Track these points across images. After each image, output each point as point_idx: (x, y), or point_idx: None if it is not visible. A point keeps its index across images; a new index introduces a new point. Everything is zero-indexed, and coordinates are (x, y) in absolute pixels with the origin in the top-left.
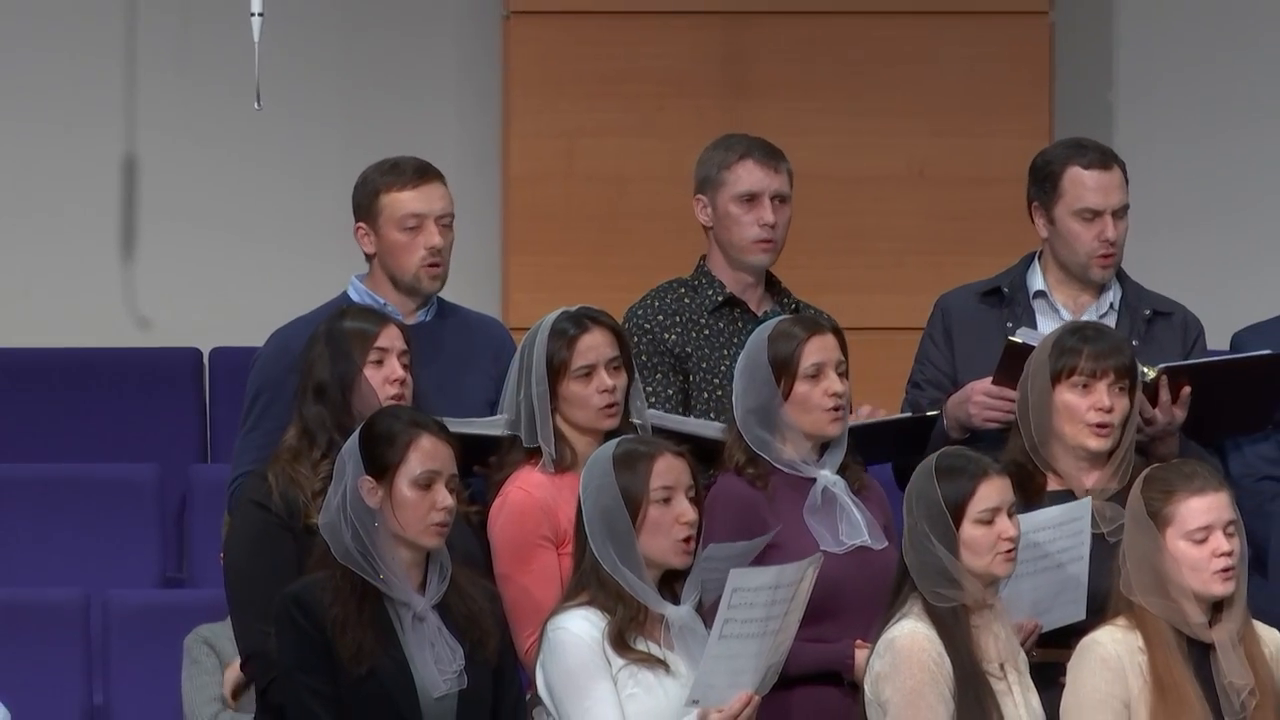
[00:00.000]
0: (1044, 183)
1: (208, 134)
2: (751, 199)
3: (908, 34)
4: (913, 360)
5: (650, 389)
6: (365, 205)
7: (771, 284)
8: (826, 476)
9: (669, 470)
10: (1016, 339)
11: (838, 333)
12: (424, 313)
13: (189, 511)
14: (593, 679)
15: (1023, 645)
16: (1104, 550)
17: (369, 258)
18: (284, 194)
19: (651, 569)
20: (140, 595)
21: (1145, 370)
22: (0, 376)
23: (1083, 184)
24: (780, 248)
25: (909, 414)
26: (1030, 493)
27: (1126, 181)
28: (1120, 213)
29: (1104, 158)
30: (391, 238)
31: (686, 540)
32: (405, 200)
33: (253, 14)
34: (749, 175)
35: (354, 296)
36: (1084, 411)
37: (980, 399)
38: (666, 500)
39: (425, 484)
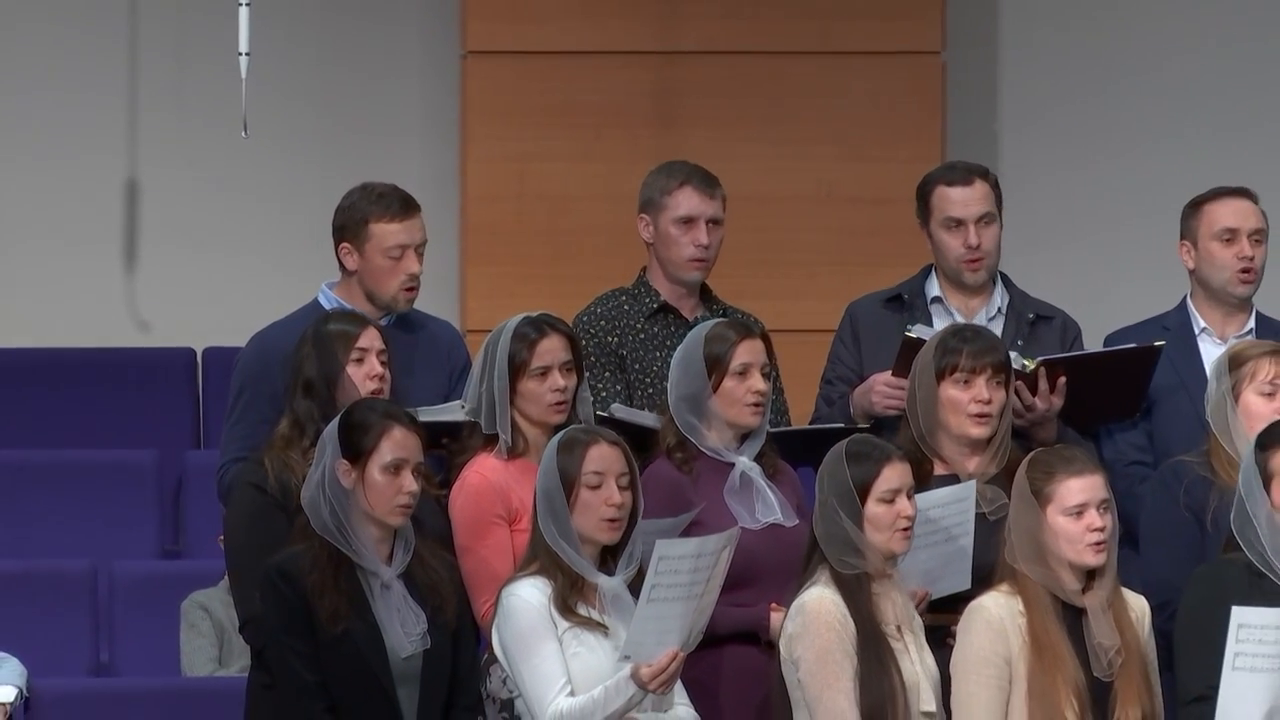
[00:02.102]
0: (921, 202)
1: (200, 160)
2: (689, 222)
3: (818, 71)
4: (825, 359)
5: (600, 385)
6: (352, 228)
7: (704, 293)
8: (745, 462)
9: (602, 458)
10: (913, 334)
11: (765, 338)
12: (386, 319)
13: (184, 492)
14: (541, 639)
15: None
16: (985, 527)
17: (347, 272)
18: (267, 213)
19: (588, 544)
20: (141, 566)
21: (1025, 362)
22: (17, 373)
23: (947, 198)
24: (712, 265)
25: (842, 424)
26: (920, 477)
27: (997, 196)
28: (984, 220)
29: (966, 174)
30: (377, 262)
31: (612, 521)
32: (393, 232)
33: (240, 54)
34: (687, 201)
35: (324, 303)
36: (965, 404)
37: (881, 389)
38: (597, 485)
39: (394, 470)
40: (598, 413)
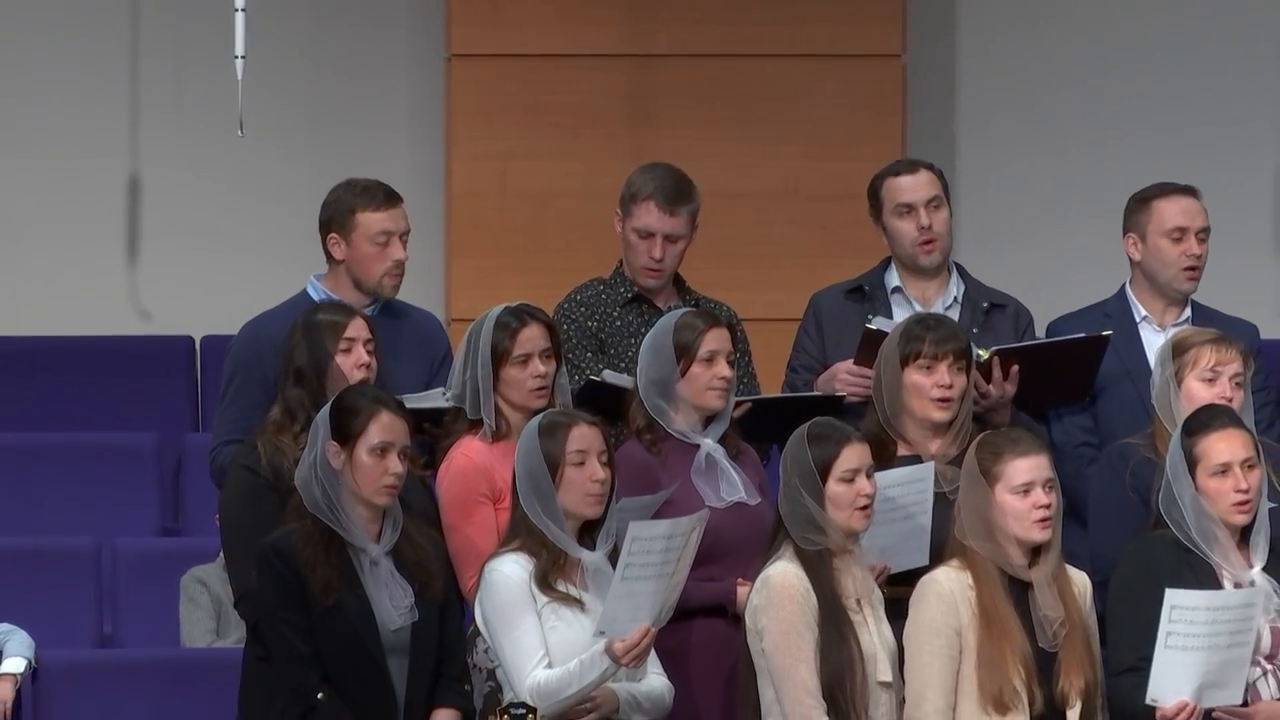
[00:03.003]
0: (873, 197)
1: (198, 159)
2: (647, 235)
3: (784, 74)
4: (790, 347)
5: (584, 364)
6: (339, 220)
7: (678, 282)
8: (710, 444)
9: (583, 437)
10: (873, 326)
11: (732, 328)
12: (372, 308)
13: (183, 473)
14: (520, 613)
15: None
16: (945, 506)
17: (334, 262)
18: (262, 209)
19: (570, 520)
20: (142, 543)
21: (981, 352)
22: (26, 359)
23: (896, 187)
24: (668, 275)
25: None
26: (884, 458)
27: (944, 184)
28: (933, 203)
29: (911, 165)
30: (363, 250)
31: (596, 495)
32: (378, 220)
33: (236, 57)
34: (647, 216)
35: (312, 293)
36: (928, 389)
37: (844, 377)
38: (581, 463)
39: (381, 452)
40: (590, 378)
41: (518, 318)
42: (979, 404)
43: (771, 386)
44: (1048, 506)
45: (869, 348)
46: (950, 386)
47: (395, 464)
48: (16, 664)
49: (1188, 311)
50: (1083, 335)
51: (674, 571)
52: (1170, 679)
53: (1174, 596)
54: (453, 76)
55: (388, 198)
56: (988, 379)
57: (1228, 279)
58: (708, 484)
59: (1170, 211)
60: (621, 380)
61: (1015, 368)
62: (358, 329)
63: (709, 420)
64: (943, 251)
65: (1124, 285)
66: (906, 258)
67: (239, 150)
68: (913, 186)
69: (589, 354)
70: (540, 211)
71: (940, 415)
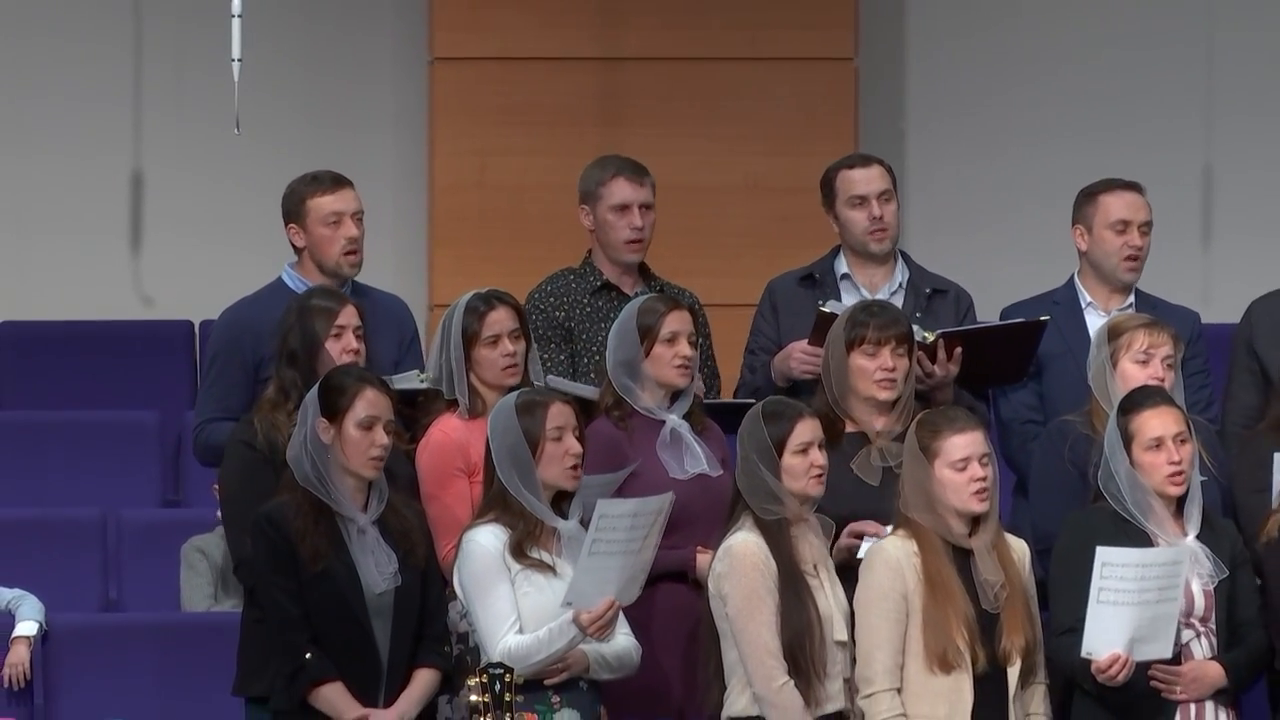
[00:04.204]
0: (826, 188)
1: (197, 155)
2: (623, 209)
3: (744, 76)
4: (748, 330)
5: (546, 355)
6: (294, 210)
7: (644, 270)
8: (674, 419)
9: (559, 414)
10: (825, 309)
11: (694, 311)
12: (342, 290)
13: (184, 448)
14: (494, 582)
15: (830, 552)
16: (890, 480)
17: (298, 251)
18: (256, 202)
19: (547, 491)
20: (145, 514)
21: (926, 335)
22: (36, 342)
23: (850, 179)
24: (647, 244)
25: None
26: (833, 435)
27: (893, 179)
28: (884, 196)
29: (864, 159)
30: (318, 233)
31: (574, 468)
32: (327, 203)
33: (233, 60)
34: (620, 190)
35: (287, 280)
36: (873, 371)
37: (799, 356)
38: (559, 438)
39: (367, 426)
40: (534, 383)
41: (486, 302)
42: (924, 382)
43: (730, 366)
44: (984, 479)
45: (821, 329)
46: (893, 369)
47: (381, 436)
48: (29, 627)
49: (1131, 298)
50: (1021, 320)
51: (640, 550)
52: (1103, 633)
53: (1105, 554)
54: (435, 78)
55: (335, 181)
56: (933, 360)
57: (1158, 269)
58: (672, 457)
59: (1115, 205)
60: (569, 387)
61: (958, 349)
62: (349, 316)
63: (674, 397)
64: (891, 240)
65: (1073, 274)
66: (858, 245)
67: (235, 147)
68: (865, 180)
69: (552, 345)
70: (517, 204)
71: (884, 395)
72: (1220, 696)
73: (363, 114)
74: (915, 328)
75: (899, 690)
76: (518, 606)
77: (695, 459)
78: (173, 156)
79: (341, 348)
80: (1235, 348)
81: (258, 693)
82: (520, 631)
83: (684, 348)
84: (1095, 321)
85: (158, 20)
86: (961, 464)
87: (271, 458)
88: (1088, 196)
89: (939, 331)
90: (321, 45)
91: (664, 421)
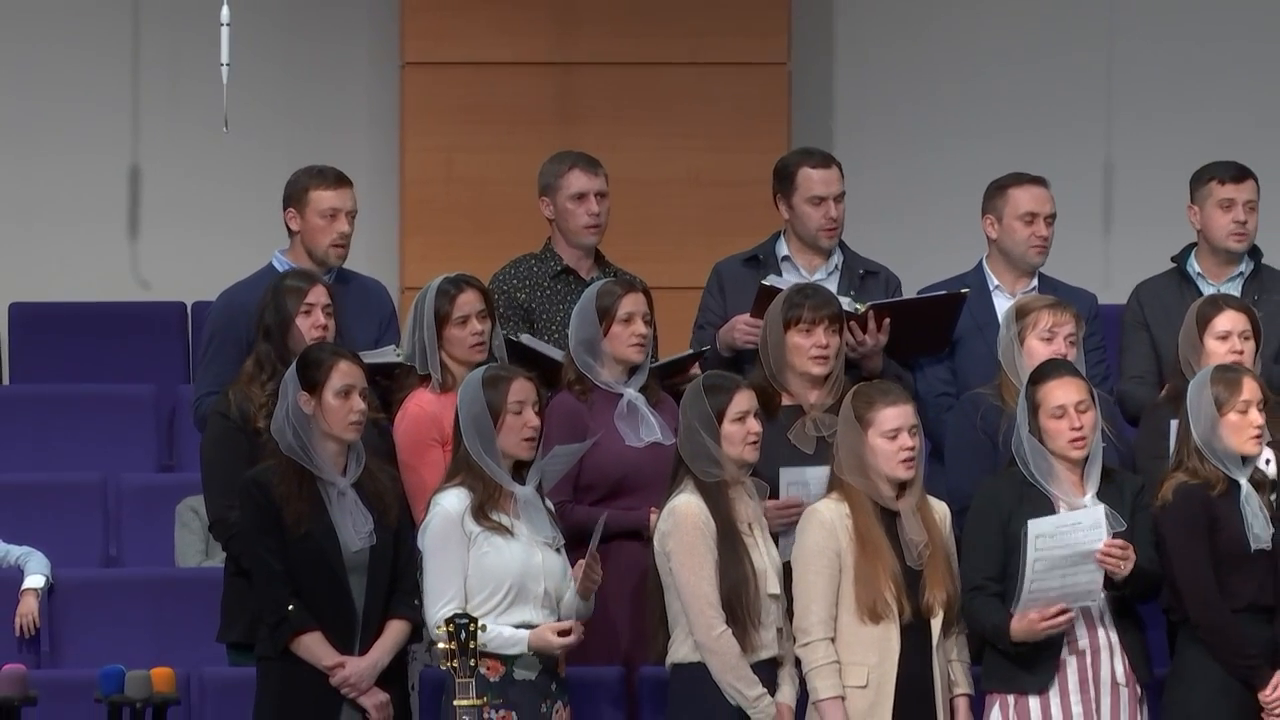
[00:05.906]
0: (783, 179)
1: (189, 151)
2: (581, 197)
3: (688, 79)
4: (695, 310)
5: (509, 330)
6: (296, 196)
7: (599, 257)
8: (631, 393)
9: (521, 389)
10: (768, 283)
11: (646, 292)
12: (327, 277)
13: (177, 418)
14: (449, 547)
15: (766, 515)
16: (826, 448)
17: (292, 234)
18: (243, 193)
19: (506, 459)
20: (142, 477)
21: (857, 306)
22: (43, 321)
23: (811, 178)
24: (604, 229)
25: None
26: (771, 408)
27: (843, 176)
28: (839, 198)
29: (826, 159)
30: (314, 222)
31: (530, 440)
32: (328, 197)
33: (222, 64)
34: (577, 181)
35: (276, 265)
36: (807, 348)
37: (742, 327)
38: (519, 412)
39: (344, 393)
40: (508, 337)
41: (455, 285)
42: (856, 350)
43: (680, 344)
44: (912, 449)
45: (764, 302)
46: (826, 346)
47: (358, 402)
48: (37, 580)
49: (1034, 281)
50: (944, 292)
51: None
52: (1044, 593)
53: (1036, 526)
54: (406, 81)
55: (337, 179)
56: (864, 330)
57: (1063, 255)
58: (629, 427)
59: (1023, 198)
60: (538, 346)
61: (887, 320)
62: (318, 295)
63: (632, 372)
64: (839, 236)
65: (981, 259)
66: (809, 238)
67: (224, 144)
68: (825, 181)
69: (515, 324)
70: (481, 196)
71: (818, 370)
72: (1113, 625)
73: (340, 114)
74: (848, 300)
75: (833, 639)
76: (466, 576)
77: (650, 428)
78: (167, 152)
79: (310, 324)
80: (1125, 323)
81: (235, 638)
82: (467, 599)
83: (639, 326)
84: (1002, 303)
85: (154, 28)
86: (892, 434)
87: (244, 426)
88: (998, 189)
89: (869, 304)
90: (303, 52)
91: (621, 395)
